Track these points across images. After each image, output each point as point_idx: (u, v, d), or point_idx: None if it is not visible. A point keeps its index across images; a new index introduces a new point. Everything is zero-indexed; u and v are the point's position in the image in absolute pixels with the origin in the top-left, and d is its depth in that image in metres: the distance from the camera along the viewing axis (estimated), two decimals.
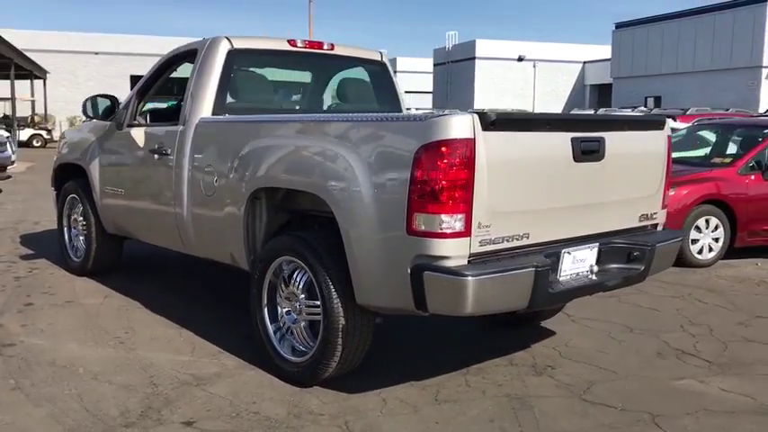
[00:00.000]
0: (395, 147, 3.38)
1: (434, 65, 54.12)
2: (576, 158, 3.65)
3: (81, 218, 6.26)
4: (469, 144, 3.18)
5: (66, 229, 6.58)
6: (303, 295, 3.90)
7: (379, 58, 5.71)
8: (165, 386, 3.90)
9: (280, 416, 3.56)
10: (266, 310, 4.10)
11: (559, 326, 5.10)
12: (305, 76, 5.76)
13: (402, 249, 3.31)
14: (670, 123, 4.45)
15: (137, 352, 4.43)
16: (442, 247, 3.22)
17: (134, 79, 40.36)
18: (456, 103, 46.18)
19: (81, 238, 6.32)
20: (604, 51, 45.43)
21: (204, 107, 4.74)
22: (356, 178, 3.48)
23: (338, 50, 5.45)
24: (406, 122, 3.41)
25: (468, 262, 3.29)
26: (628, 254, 4.01)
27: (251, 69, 5.18)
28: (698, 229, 7.39)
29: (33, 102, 32.61)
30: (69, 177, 6.42)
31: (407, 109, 6.20)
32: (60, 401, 3.68)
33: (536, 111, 39.39)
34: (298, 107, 5.77)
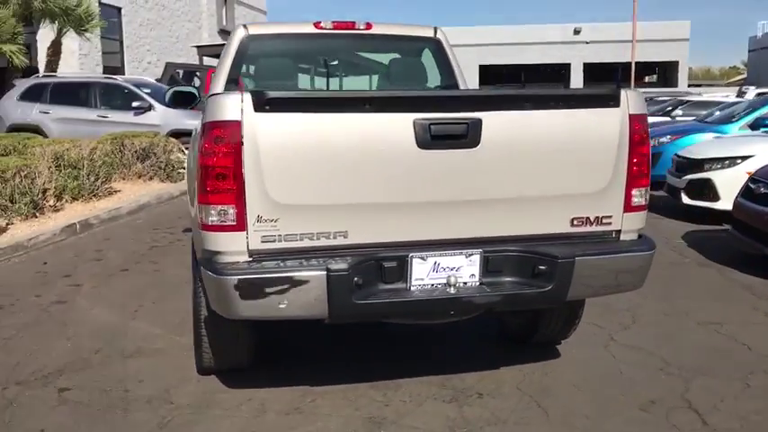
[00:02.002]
0: (199, 129, 3.15)
1: (749, 51, 48.03)
2: (423, 145, 2.97)
3: None
4: (235, 127, 2.82)
5: None
6: None
7: (432, 35, 5.22)
8: None
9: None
10: None
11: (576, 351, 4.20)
12: (345, 59, 5.54)
13: (200, 243, 3.10)
14: (634, 97, 3.26)
15: None
16: (216, 242, 2.94)
17: (482, 69, 42.16)
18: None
19: None
20: None
21: (217, 89, 4.87)
22: (189, 165, 3.33)
23: (378, 30, 5.13)
24: (209, 101, 3.07)
25: (253, 260, 2.94)
26: (533, 267, 3.15)
27: (273, 54, 5.16)
28: None
29: None
30: None
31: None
32: None
33: None
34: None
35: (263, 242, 2.92)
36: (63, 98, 12.62)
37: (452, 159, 3.02)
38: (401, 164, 2.98)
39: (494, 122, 3.04)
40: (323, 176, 2.92)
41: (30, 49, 17.52)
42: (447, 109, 3.02)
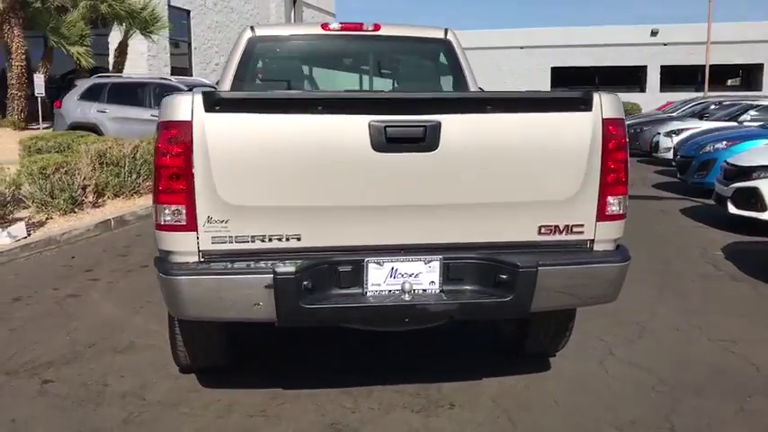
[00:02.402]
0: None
1: None
2: (379, 148, 2.90)
3: None
4: (186, 127, 2.82)
5: None
6: None
7: (442, 36, 5.12)
8: None
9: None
10: None
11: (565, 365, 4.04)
12: (352, 60, 5.49)
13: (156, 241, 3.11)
14: (609, 101, 3.09)
15: None
16: (168, 242, 2.95)
17: (554, 71, 41.51)
18: None
19: None
20: None
21: (225, 86, 4.90)
22: None
23: (387, 31, 5.08)
24: (162, 101, 3.03)
25: (204, 261, 2.93)
26: (494, 276, 3.04)
27: (278, 55, 5.16)
28: None
29: None
30: None
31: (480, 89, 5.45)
32: None
33: None
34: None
35: (213, 243, 2.91)
36: (119, 98, 13.05)
37: (409, 163, 2.94)
38: (356, 167, 2.91)
39: (454, 126, 2.94)
40: (274, 178, 2.89)
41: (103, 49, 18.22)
42: (404, 111, 2.94)
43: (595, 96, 3.04)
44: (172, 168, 2.85)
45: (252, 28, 4.98)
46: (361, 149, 2.89)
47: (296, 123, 2.88)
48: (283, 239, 2.94)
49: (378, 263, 3.00)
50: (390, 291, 3.02)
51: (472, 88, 5.08)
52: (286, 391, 3.65)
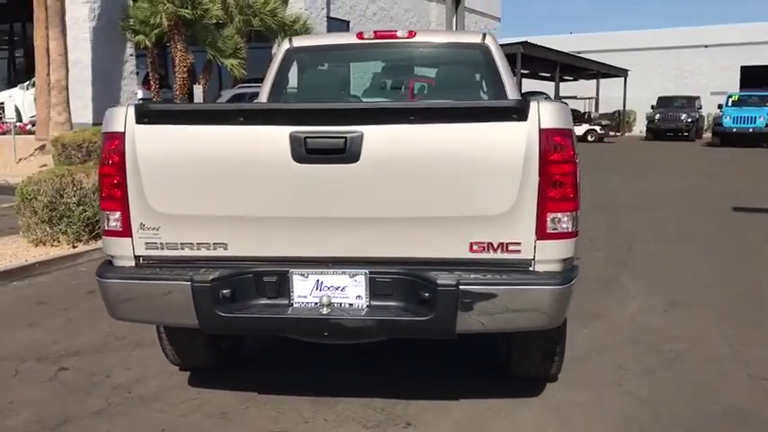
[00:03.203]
0: None
1: None
2: (299, 159, 2.89)
3: None
4: (120, 138, 3.00)
5: None
6: None
7: (479, 41, 4.96)
8: None
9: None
10: None
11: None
12: (387, 69, 5.42)
13: None
14: (549, 110, 2.82)
15: None
16: (109, 246, 3.14)
17: (744, 70, 38.43)
18: None
19: None
20: None
21: (263, 99, 5.10)
22: None
23: (422, 38, 5.02)
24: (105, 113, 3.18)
25: (137, 266, 3.09)
26: (418, 294, 2.91)
27: (314, 65, 5.25)
28: None
29: (595, 99, 33.69)
30: None
31: (523, 95, 5.19)
32: None
33: None
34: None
35: (146, 249, 3.06)
36: None
37: (331, 174, 2.91)
38: (277, 178, 2.93)
39: (377, 137, 2.86)
40: (200, 188, 2.98)
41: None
42: (325, 122, 2.91)
43: (532, 105, 2.82)
44: (110, 177, 3.03)
45: (290, 39, 5.11)
46: (282, 160, 2.90)
47: (219, 134, 2.96)
48: (210, 248, 3.02)
49: (302, 275, 2.99)
50: (317, 303, 3.00)
51: (511, 95, 4.85)
52: (260, 396, 3.72)
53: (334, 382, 3.86)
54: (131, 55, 17.18)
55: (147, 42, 16.31)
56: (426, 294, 2.86)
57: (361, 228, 2.95)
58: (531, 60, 24.24)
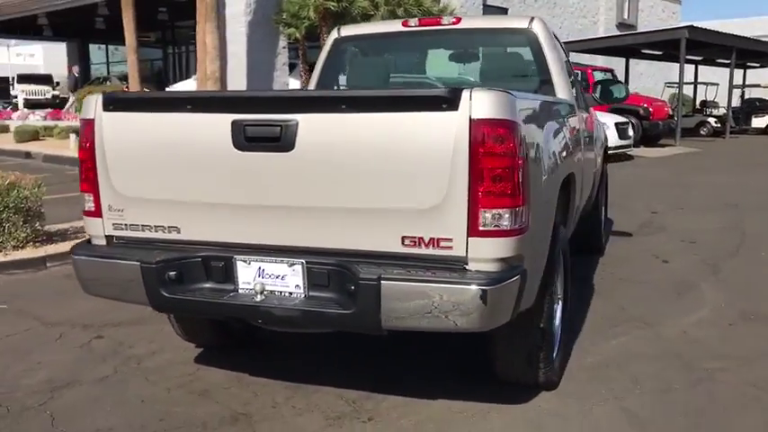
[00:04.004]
0: None
1: None
2: (240, 146, 2.93)
3: None
4: (90, 124, 3.20)
5: None
6: None
7: (525, 26, 4.69)
8: None
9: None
10: None
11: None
12: (431, 56, 5.24)
13: None
14: (484, 99, 2.60)
15: None
16: (87, 226, 3.36)
17: None
18: None
19: None
20: None
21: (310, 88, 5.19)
22: None
23: (467, 24, 4.85)
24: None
25: (107, 245, 3.29)
26: (346, 286, 2.85)
27: (361, 54, 5.21)
28: None
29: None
30: None
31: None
32: None
33: None
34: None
35: (114, 229, 3.25)
36: None
37: (268, 162, 2.92)
38: (220, 165, 2.99)
39: (311, 125, 2.84)
40: (154, 173, 3.12)
41: None
42: (263, 110, 2.93)
43: (464, 94, 2.65)
44: (84, 162, 3.25)
45: (338, 29, 5.14)
46: (224, 147, 2.95)
47: (170, 121, 3.07)
48: (165, 231, 3.15)
49: (245, 261, 3.04)
50: (271, 292, 3.03)
51: (558, 81, 4.58)
52: (249, 377, 3.82)
53: (326, 373, 3.86)
54: (284, 47, 17.99)
55: (298, 35, 16.97)
56: (352, 287, 2.80)
57: (299, 217, 2.93)
58: (703, 46, 22.34)
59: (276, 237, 2.99)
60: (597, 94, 5.74)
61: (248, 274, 3.04)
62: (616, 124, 14.24)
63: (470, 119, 2.64)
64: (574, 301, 4.93)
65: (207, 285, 3.11)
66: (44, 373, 3.93)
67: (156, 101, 3.24)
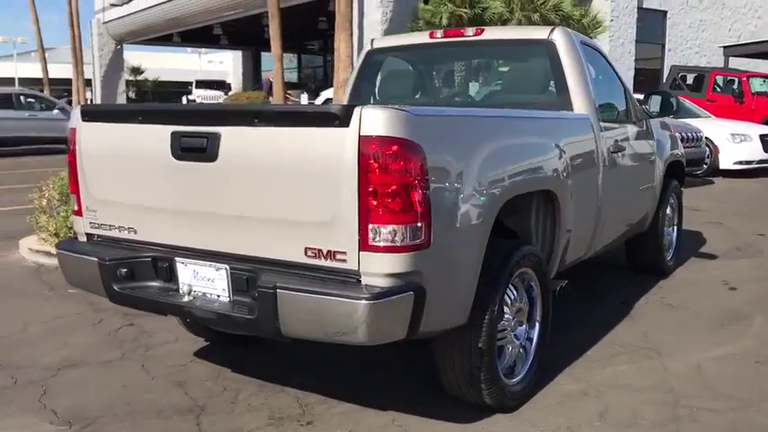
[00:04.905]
0: None
1: None
2: (177, 156, 3.16)
3: None
4: (74, 132, 3.58)
5: None
6: None
7: (544, 37, 4.55)
8: None
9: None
10: None
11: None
12: (458, 67, 5.14)
13: None
14: (375, 116, 2.59)
15: None
16: (74, 224, 3.76)
17: None
18: None
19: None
20: None
21: (343, 100, 5.36)
22: None
23: (489, 35, 4.79)
24: None
25: (87, 241, 3.66)
26: (252, 292, 2.99)
27: (391, 65, 5.26)
28: None
29: None
30: None
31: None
32: None
33: None
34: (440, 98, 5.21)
35: (91, 228, 3.61)
36: None
37: (199, 171, 3.13)
38: (164, 172, 3.24)
39: (232, 137, 3.02)
40: (115, 177, 3.44)
41: None
42: (195, 122, 3.14)
43: (355, 111, 2.70)
44: (71, 165, 3.63)
45: (372, 41, 5.26)
46: (166, 157, 3.20)
47: (126, 131, 3.38)
48: (126, 231, 3.46)
49: (183, 264, 3.27)
50: (204, 294, 3.24)
51: (576, 94, 4.42)
52: (229, 373, 4.05)
53: (305, 375, 3.96)
54: None
55: None
56: (255, 294, 2.93)
57: (223, 224, 3.11)
58: None
59: (208, 242, 3.19)
60: (649, 106, 5.39)
61: (186, 276, 3.27)
62: (761, 136, 13.05)
63: (360, 135, 2.68)
64: (596, 326, 4.73)
65: (156, 284, 3.37)
66: (64, 353, 4.40)
67: (115, 113, 3.57)
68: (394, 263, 2.74)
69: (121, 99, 33.70)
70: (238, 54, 38.87)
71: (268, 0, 18.00)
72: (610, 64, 5.15)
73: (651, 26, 22.47)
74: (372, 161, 2.67)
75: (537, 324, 3.75)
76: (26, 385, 3.91)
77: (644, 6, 21.92)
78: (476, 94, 5.09)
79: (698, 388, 3.83)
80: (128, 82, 36.78)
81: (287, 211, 2.90)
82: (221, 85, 37.25)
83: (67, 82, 35.29)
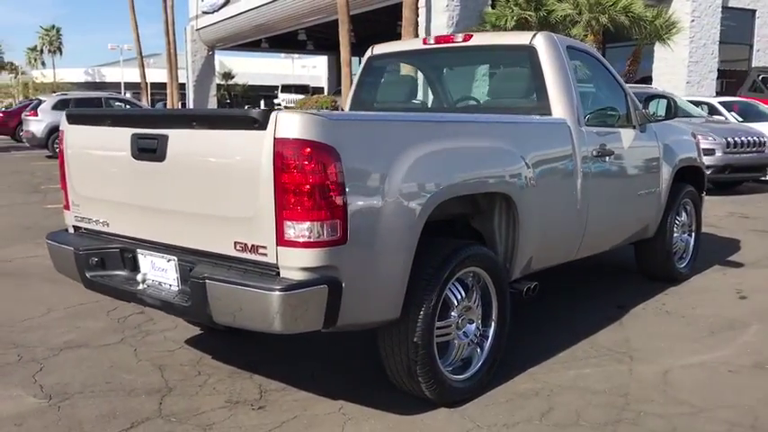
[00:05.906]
0: None
1: None
2: (135, 156, 3.47)
3: None
4: (62, 133, 3.95)
5: None
6: None
7: (526, 42, 4.60)
8: None
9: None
10: None
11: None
12: (447, 72, 5.22)
13: None
14: (290, 120, 2.77)
15: None
16: (64, 218, 4.12)
17: None
18: None
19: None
20: None
21: (346, 107, 5.59)
22: None
23: (476, 41, 4.88)
24: None
25: (75, 233, 4.02)
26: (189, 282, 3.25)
27: (388, 71, 5.41)
28: None
29: None
30: None
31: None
32: None
33: None
34: (428, 105, 5.29)
35: (76, 221, 3.96)
36: None
37: (152, 170, 3.42)
38: (126, 171, 3.55)
39: (176, 139, 3.29)
40: (91, 175, 3.79)
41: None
42: (150, 125, 3.43)
43: (272, 115, 2.91)
44: (60, 165, 4.01)
45: (372, 47, 5.44)
46: (127, 157, 3.51)
47: (99, 133, 3.72)
48: (100, 224, 3.79)
49: (143, 255, 3.56)
50: (160, 283, 3.53)
51: (554, 98, 4.47)
52: (208, 360, 4.32)
53: (281, 364, 4.20)
54: None
55: None
56: (190, 284, 3.18)
57: (172, 219, 3.39)
58: None
59: (162, 235, 3.47)
60: (648, 109, 5.33)
61: (146, 266, 3.56)
62: None
63: (275, 138, 2.88)
64: (581, 329, 4.74)
65: (123, 273, 3.68)
66: (72, 336, 4.80)
67: (91, 117, 3.90)
68: (309, 257, 2.92)
69: (212, 102, 35.21)
70: (331, 59, 39.82)
71: (338, 6, 18.46)
72: (607, 68, 5.13)
73: (738, 26, 21.57)
74: (286, 162, 2.86)
75: (493, 323, 3.83)
76: (28, 362, 4.31)
77: (729, 5, 21.07)
78: (461, 99, 5.19)
79: (654, 393, 3.80)
80: (218, 86, 38.35)
81: (219, 207, 3.15)
82: (304, 90, 38.28)
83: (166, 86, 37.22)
